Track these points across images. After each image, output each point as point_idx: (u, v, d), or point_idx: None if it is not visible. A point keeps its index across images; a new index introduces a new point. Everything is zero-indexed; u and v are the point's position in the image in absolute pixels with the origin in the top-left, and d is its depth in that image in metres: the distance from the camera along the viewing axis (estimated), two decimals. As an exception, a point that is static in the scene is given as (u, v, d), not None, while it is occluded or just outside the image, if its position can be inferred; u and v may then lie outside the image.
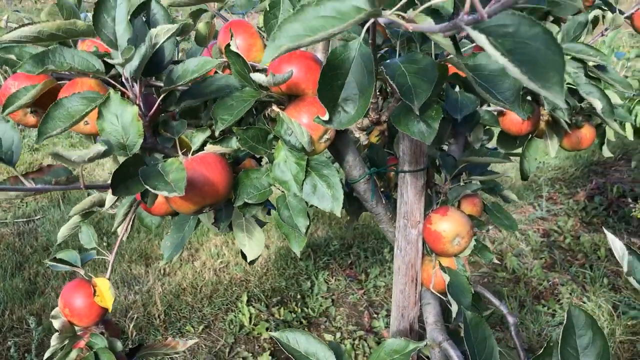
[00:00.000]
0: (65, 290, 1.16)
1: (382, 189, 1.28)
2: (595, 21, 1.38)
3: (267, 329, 2.69)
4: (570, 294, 2.90)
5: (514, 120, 1.36)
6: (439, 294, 1.19)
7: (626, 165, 4.45)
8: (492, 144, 1.75)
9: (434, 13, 0.60)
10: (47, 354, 1.18)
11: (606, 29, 1.39)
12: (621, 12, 1.48)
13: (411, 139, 1.05)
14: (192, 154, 0.88)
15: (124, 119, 0.76)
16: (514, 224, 1.34)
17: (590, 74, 1.29)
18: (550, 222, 3.69)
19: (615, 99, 1.41)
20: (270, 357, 2.52)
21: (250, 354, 2.56)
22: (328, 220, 3.65)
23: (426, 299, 1.21)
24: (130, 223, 1.23)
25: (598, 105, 1.23)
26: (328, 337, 2.67)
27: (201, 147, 0.89)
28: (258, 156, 0.95)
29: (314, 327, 2.76)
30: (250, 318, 2.75)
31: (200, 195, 0.81)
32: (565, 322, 0.73)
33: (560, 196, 4.03)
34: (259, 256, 1.10)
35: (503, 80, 0.70)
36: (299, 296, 2.93)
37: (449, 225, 1.11)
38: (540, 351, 0.75)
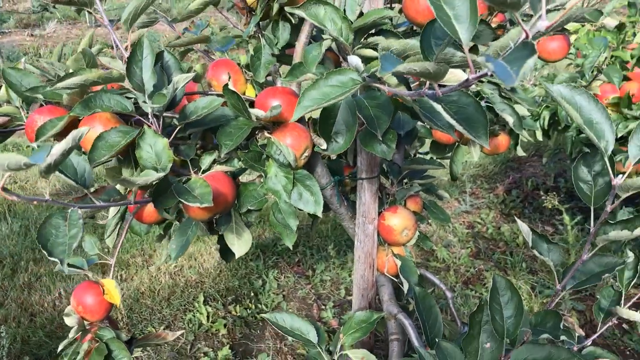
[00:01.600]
0: (77, 290, 1.35)
1: (341, 192, 1.54)
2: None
3: (224, 326, 2.90)
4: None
5: (444, 133, 1.65)
6: (391, 277, 1.46)
7: (538, 161, 4.93)
8: (425, 149, 2.05)
9: (403, 80, 0.85)
10: (61, 346, 1.37)
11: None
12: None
13: (368, 153, 1.31)
14: (202, 173, 1.11)
15: (157, 148, 0.98)
16: (447, 217, 1.64)
17: (503, 94, 1.60)
18: (474, 215, 4.08)
19: (524, 111, 1.73)
20: (230, 351, 2.73)
21: (211, 349, 2.76)
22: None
23: (381, 282, 1.48)
24: (125, 231, 1.43)
25: (510, 120, 1.54)
26: (279, 330, 2.91)
27: (208, 167, 1.12)
28: (257, 173, 1.18)
29: (267, 322, 2.99)
30: (207, 316, 2.95)
31: (215, 206, 1.04)
32: (491, 286, 1.01)
33: (482, 191, 4.44)
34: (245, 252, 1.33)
35: (440, 115, 0.97)
36: (252, 294, 3.16)
37: (399, 221, 1.38)
38: (475, 309, 1.03)
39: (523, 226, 1.02)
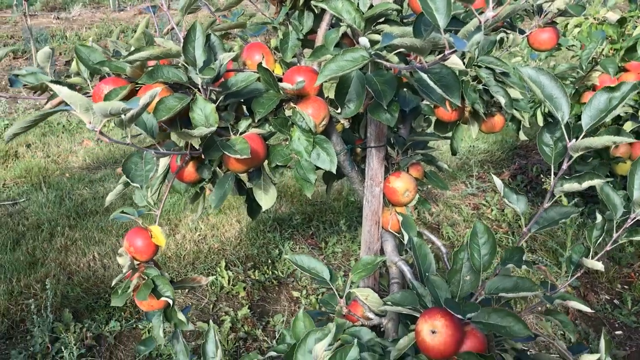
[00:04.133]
0: (129, 235, 1.60)
1: (353, 160, 1.78)
2: (501, 41, 1.92)
3: (244, 289, 3.17)
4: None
5: (445, 111, 1.88)
6: (394, 233, 1.71)
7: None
8: (430, 130, 2.28)
9: (400, 56, 1.06)
10: (114, 282, 1.62)
11: (509, 46, 1.92)
12: (522, 32, 2.02)
13: (376, 124, 1.55)
14: (240, 134, 1.35)
15: (206, 111, 1.23)
16: (445, 185, 1.87)
17: (498, 79, 1.82)
18: (479, 198, 4.31)
19: (516, 95, 1.95)
20: (248, 311, 3.00)
21: (231, 309, 3.03)
22: (291, 198, 4.15)
23: (385, 237, 1.72)
24: (169, 188, 1.68)
25: (502, 100, 1.76)
26: (295, 294, 3.17)
27: (245, 130, 1.36)
28: (283, 136, 1.42)
29: (283, 286, 3.26)
30: (228, 280, 3.22)
31: (251, 160, 1.29)
32: (471, 230, 1.25)
33: (488, 175, 4.66)
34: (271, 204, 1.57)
35: (432, 90, 1.21)
36: (269, 261, 3.42)
37: (401, 183, 1.62)
38: (458, 248, 1.27)
39: (497, 180, 1.26)
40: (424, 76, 0.89)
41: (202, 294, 3.13)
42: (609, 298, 3.35)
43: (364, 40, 0.93)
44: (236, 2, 1.45)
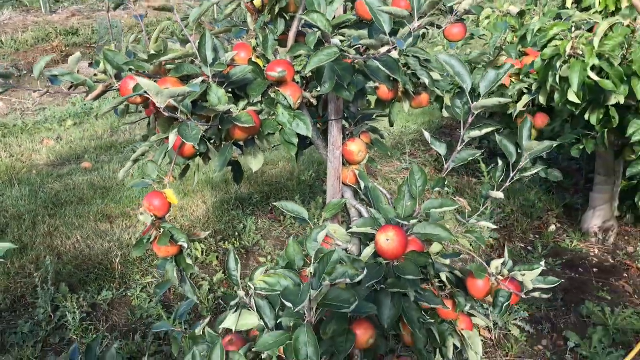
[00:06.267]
0: (147, 196, 2.04)
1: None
2: (424, 35, 2.47)
3: (217, 257, 3.63)
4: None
5: (384, 91, 2.41)
6: (352, 185, 2.23)
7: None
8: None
9: (359, 53, 1.55)
10: (137, 236, 2.07)
11: (430, 39, 2.48)
12: (439, 27, 2.58)
13: (335, 101, 2.06)
14: (241, 111, 1.83)
15: (219, 95, 1.70)
16: (387, 149, 2.41)
17: (422, 65, 2.37)
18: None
19: (437, 77, 2.51)
20: (222, 275, 3.46)
21: (207, 275, 3.49)
22: (249, 180, 4.62)
23: (344, 189, 2.24)
24: (174, 161, 2.13)
25: (427, 81, 2.31)
26: (262, 259, 3.66)
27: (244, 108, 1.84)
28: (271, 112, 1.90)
29: (250, 253, 3.74)
30: (202, 251, 3.67)
31: (252, 128, 1.77)
32: (410, 170, 1.78)
33: (419, 152, 5.28)
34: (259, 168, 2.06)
35: (380, 72, 1.73)
36: (236, 234, 3.89)
37: (356, 146, 2.15)
38: (401, 183, 1.79)
39: (426, 133, 1.81)
40: (376, 63, 1.40)
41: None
42: (523, 246, 4.02)
43: (336, 41, 1.44)
44: (229, 14, 1.93)
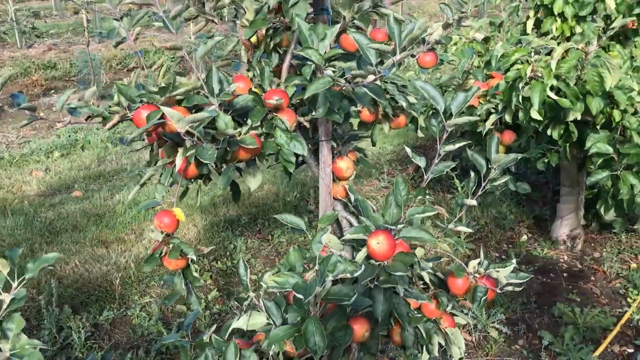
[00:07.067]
0: (158, 215, 2.25)
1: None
2: (400, 64, 2.74)
3: (210, 277, 3.82)
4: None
5: (366, 114, 2.67)
6: (341, 199, 2.47)
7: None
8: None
9: (347, 81, 1.82)
10: (150, 252, 2.27)
11: (405, 66, 2.75)
12: (413, 56, 2.86)
13: (326, 123, 2.31)
14: (244, 134, 2.07)
15: (225, 120, 1.93)
16: (369, 165, 2.66)
17: (400, 90, 2.64)
18: (390, 190, 5.19)
19: (413, 100, 2.78)
20: (217, 292, 3.65)
21: (202, 294, 3.67)
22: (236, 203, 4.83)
23: (335, 203, 2.48)
24: (180, 183, 2.35)
25: (404, 104, 2.57)
26: (254, 277, 3.86)
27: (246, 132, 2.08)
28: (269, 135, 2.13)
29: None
30: (196, 271, 3.85)
31: (255, 149, 2.00)
32: (395, 181, 2.03)
33: (396, 171, 5.56)
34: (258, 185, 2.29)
35: (366, 97, 1.98)
36: (227, 253, 4.09)
37: (344, 163, 2.39)
38: (385, 197, 2.04)
39: (408, 149, 2.06)
40: (364, 89, 1.66)
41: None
42: (497, 255, 4.29)
43: (328, 72, 1.69)
44: (232, 49, 2.18)
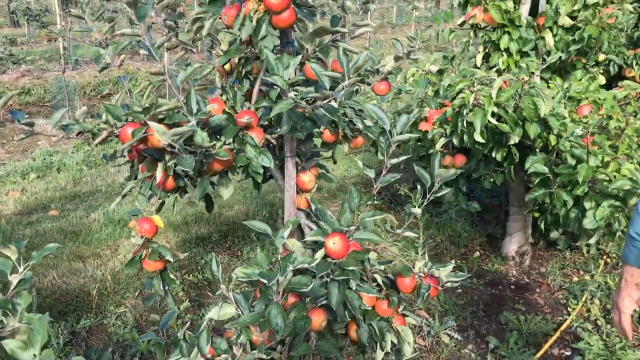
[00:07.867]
0: (139, 222, 2.52)
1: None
2: (357, 91, 3.08)
3: (182, 289, 4.06)
4: (370, 247, 4.69)
5: (328, 135, 3.00)
6: (304, 209, 2.77)
7: (402, 169, 6.51)
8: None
9: (308, 102, 2.15)
10: (130, 256, 2.54)
11: (362, 94, 3.09)
12: (369, 84, 3.20)
13: (291, 140, 2.62)
14: (218, 149, 2.37)
15: (202, 136, 2.23)
16: (331, 180, 2.98)
17: (357, 113, 2.97)
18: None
19: (369, 123, 3.11)
20: (189, 303, 3.88)
21: (175, 304, 3.90)
22: (207, 222, 5.08)
23: (298, 212, 2.78)
24: (159, 194, 2.62)
25: (361, 126, 2.90)
26: (222, 286, 4.11)
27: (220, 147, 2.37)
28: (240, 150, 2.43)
29: (213, 285, 4.18)
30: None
31: (228, 162, 2.29)
32: (349, 190, 2.34)
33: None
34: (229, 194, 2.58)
35: (324, 118, 2.30)
36: (199, 268, 4.33)
37: (307, 177, 2.70)
38: (341, 204, 2.34)
39: (359, 162, 2.38)
40: (322, 110, 1.98)
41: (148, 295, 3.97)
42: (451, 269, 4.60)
43: (291, 95, 2.01)
44: (206, 75, 2.49)
